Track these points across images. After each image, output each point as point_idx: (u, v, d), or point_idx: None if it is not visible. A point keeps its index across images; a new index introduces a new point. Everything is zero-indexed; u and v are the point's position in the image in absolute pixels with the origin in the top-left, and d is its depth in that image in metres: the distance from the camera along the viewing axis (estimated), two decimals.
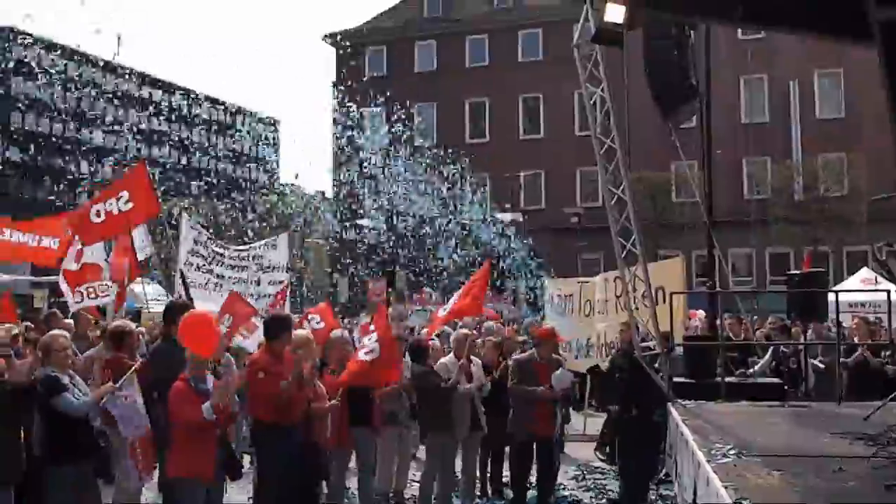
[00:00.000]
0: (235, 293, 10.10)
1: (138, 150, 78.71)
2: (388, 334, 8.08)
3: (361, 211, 32.68)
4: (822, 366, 10.37)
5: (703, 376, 8.72)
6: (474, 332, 10.02)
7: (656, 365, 8.64)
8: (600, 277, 11.81)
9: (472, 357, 8.89)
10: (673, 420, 7.63)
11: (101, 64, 75.05)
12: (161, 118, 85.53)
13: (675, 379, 8.56)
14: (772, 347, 11.30)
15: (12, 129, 70.11)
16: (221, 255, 11.58)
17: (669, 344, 8.84)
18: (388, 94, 35.20)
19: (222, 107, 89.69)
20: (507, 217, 30.37)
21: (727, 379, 8.75)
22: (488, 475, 9.69)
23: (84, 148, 75.15)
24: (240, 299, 9.83)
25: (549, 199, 39.43)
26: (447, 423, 8.56)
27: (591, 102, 9.03)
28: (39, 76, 67.31)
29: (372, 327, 8.34)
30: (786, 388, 9.67)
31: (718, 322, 10.94)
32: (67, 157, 72.73)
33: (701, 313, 14.20)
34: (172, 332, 7.35)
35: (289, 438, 7.03)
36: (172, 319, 7.50)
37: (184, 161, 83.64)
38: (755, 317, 14.80)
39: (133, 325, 8.75)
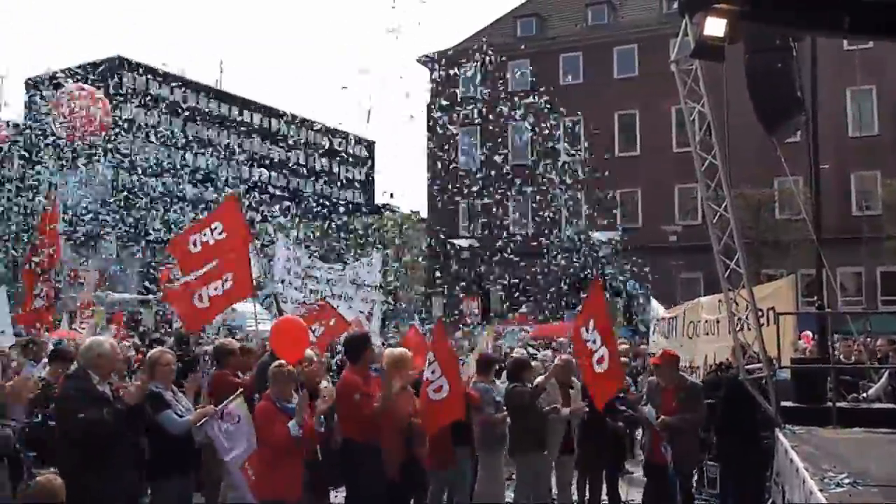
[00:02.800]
0: (325, 303, 10.27)
1: (238, 172, 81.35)
2: (450, 357, 7.80)
3: (456, 229, 32.81)
4: None
5: (813, 401, 8.36)
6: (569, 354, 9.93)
7: (762, 387, 8.34)
8: (711, 297, 11.55)
9: (573, 380, 8.87)
10: (781, 446, 7.33)
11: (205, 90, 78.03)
12: (261, 141, 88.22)
13: (784, 403, 8.23)
14: (888, 371, 10.73)
15: (121, 154, 73.28)
16: (316, 268, 11.80)
17: (775, 367, 8.52)
18: (482, 113, 35.38)
19: (319, 129, 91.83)
20: (604, 236, 29.95)
21: (839, 404, 8.36)
22: (586, 499, 9.51)
23: (188, 172, 77.93)
24: (332, 309, 9.99)
25: (647, 217, 38.75)
26: (540, 442, 8.48)
27: (691, 118, 8.82)
28: (146, 103, 70.44)
29: (431, 356, 7.81)
30: None
31: (829, 344, 10.48)
32: (172, 182, 75.44)
33: (807, 334, 13.68)
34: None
35: (379, 458, 7.05)
36: None
37: (282, 183, 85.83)
38: (868, 338, 14.16)
39: (237, 344, 8.97)
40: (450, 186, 32.34)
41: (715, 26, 7.58)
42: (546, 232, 30.48)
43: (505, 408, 8.49)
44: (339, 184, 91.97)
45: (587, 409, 8.84)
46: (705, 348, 11.12)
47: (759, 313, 8.66)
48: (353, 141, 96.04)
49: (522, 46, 42.54)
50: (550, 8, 44.42)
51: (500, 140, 38.04)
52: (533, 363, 9.74)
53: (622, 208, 38.52)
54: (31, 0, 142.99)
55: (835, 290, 16.54)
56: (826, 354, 10.07)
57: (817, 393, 8.46)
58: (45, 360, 8.92)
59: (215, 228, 9.56)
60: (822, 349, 10.74)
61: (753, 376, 8.45)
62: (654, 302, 15.14)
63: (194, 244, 9.51)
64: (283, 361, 6.77)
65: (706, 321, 11.27)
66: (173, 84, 79.27)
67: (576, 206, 32.96)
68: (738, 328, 8.58)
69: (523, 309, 28.32)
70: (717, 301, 10.91)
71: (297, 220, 43.66)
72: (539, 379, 8.76)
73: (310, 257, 12.08)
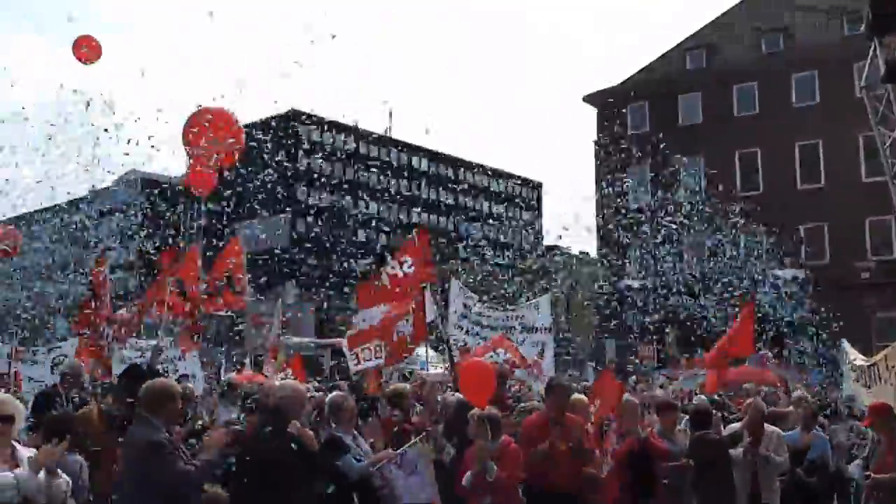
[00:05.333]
0: (501, 336, 10.19)
1: (408, 216, 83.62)
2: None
3: (628, 270, 32.02)
4: None
5: None
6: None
7: None
8: None
9: (768, 426, 8.29)
10: None
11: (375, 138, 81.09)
12: (430, 186, 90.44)
13: None
14: None
15: (300, 203, 77.09)
16: (488, 316, 11.75)
17: None
18: (652, 149, 34.56)
19: (486, 172, 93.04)
20: (788, 274, 28.28)
21: None
22: None
23: (361, 217, 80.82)
24: (509, 343, 9.90)
25: (835, 252, 36.25)
26: (730, 495, 7.98)
27: (885, 145, 8.15)
28: (320, 152, 73.90)
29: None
30: None
31: None
32: (346, 227, 78.38)
33: None
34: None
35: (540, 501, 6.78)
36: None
37: (450, 226, 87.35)
38: None
39: (408, 388, 8.97)
40: (620, 226, 31.67)
41: None
42: (723, 272, 29.17)
43: (689, 458, 8.01)
44: (506, 226, 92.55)
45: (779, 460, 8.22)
46: None
47: None
48: (520, 183, 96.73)
49: (692, 79, 41.49)
50: (721, 38, 42.98)
51: (671, 176, 37.01)
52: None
53: (807, 244, 36.32)
54: (208, 60, 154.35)
55: None
56: None
57: None
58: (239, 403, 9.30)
59: (405, 262, 9.65)
60: None
61: None
62: (845, 345, 13.94)
63: (380, 282, 9.65)
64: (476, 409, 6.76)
65: None
66: (345, 134, 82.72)
67: (755, 243, 31.35)
68: None
69: (699, 354, 27.06)
70: None
71: (465, 263, 44.12)
72: (735, 425, 8.26)
73: (480, 303, 12.04)
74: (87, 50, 10.66)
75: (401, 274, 9.59)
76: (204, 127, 9.60)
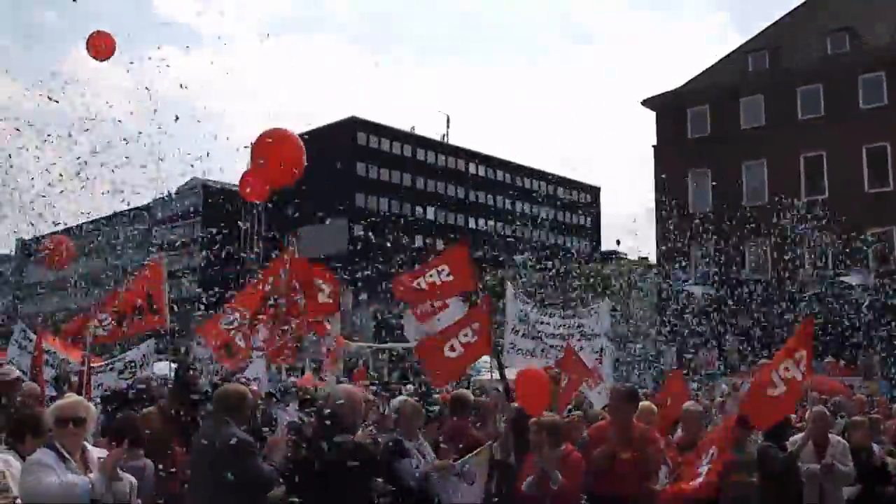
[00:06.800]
0: (570, 349, 10.11)
1: (465, 222, 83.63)
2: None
3: (688, 276, 31.49)
4: None
5: None
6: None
7: None
8: None
9: (833, 437, 8.04)
10: None
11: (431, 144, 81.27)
12: (486, 192, 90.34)
13: None
14: None
15: (356, 208, 77.75)
16: (546, 323, 11.60)
17: None
18: (713, 154, 33.99)
19: (544, 177, 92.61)
20: (855, 280, 27.45)
21: None
22: None
23: (417, 223, 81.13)
24: (575, 354, 9.82)
25: None
26: None
27: None
28: (377, 159, 74.29)
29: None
30: None
31: None
32: (403, 232, 78.77)
33: None
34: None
35: None
36: None
37: (507, 231, 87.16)
38: None
39: (472, 395, 8.91)
40: (680, 231, 31.15)
41: None
42: (787, 277, 28.45)
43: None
44: (564, 231, 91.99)
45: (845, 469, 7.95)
46: None
47: None
48: (578, 188, 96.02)
49: (754, 81, 40.65)
50: (784, 40, 42.04)
51: (736, 181, 36.33)
52: None
53: (874, 250, 35.24)
54: (272, 71, 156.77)
55: None
56: None
57: None
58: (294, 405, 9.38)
59: (442, 270, 9.60)
60: None
61: None
62: None
63: (419, 285, 9.62)
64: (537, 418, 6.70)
65: None
66: (403, 141, 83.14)
67: (821, 248, 30.54)
68: None
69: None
70: None
71: (522, 268, 43.93)
72: (797, 437, 8.01)
73: (537, 309, 11.89)
74: (102, 46, 10.65)
75: (438, 281, 9.52)
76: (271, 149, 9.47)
